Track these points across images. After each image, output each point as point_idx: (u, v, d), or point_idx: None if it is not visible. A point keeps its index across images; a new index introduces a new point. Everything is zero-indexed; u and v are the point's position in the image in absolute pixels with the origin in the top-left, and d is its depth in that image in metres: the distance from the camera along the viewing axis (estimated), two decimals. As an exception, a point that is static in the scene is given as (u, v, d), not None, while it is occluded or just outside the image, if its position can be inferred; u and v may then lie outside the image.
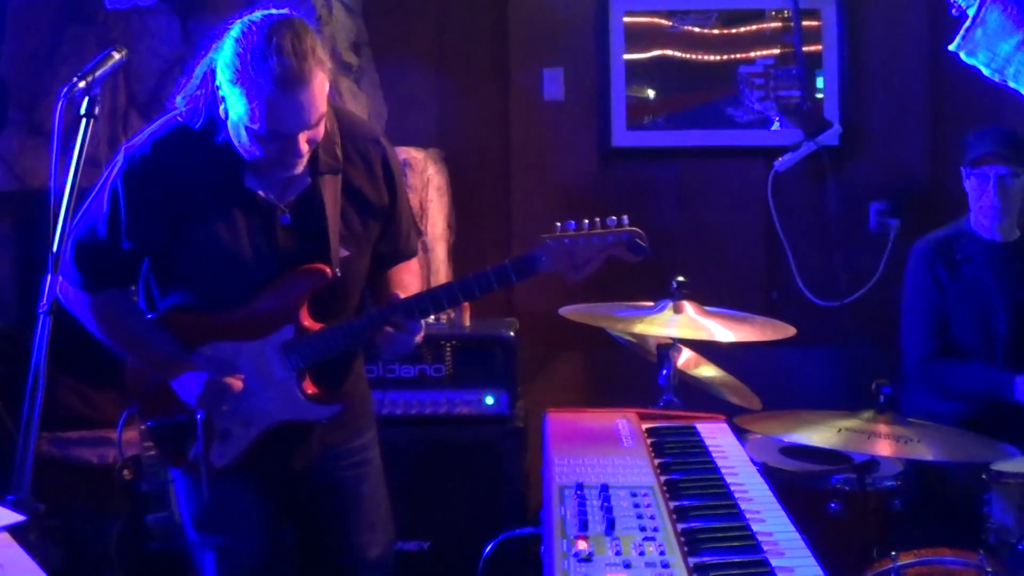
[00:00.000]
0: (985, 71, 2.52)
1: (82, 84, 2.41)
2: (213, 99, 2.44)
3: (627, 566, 1.92)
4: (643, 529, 2.08)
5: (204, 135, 2.49)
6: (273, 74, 2.30)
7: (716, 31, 4.65)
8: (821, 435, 2.92)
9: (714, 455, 2.59)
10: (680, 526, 2.11)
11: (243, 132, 2.40)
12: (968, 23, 2.54)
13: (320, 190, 2.56)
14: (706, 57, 4.65)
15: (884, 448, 2.86)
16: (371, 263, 2.73)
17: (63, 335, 2.39)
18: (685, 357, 3.61)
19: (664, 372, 3.24)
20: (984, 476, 3.11)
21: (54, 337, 2.31)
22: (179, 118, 2.53)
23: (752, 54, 4.64)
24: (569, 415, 2.90)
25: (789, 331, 3.31)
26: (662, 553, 1.97)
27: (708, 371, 3.67)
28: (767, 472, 2.56)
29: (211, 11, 4.33)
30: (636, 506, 2.20)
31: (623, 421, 2.84)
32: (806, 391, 4.50)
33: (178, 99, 2.54)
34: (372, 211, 2.67)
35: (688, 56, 4.66)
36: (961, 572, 2.84)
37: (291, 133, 2.37)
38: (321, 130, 2.46)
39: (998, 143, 3.68)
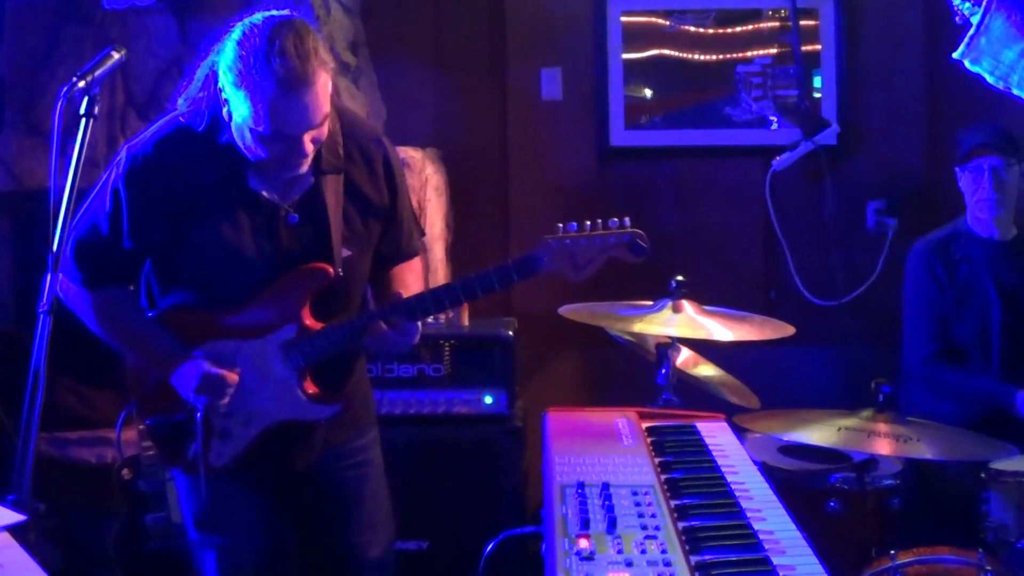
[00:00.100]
0: (989, 79, 2.52)
1: (82, 84, 2.41)
2: (216, 101, 2.44)
3: (629, 564, 1.92)
4: (644, 528, 2.08)
5: (207, 136, 2.49)
6: (276, 76, 2.30)
7: (714, 31, 4.66)
8: (820, 434, 2.92)
9: (714, 454, 2.59)
10: (681, 525, 2.11)
11: (247, 134, 2.40)
12: (972, 31, 2.54)
13: (323, 190, 2.56)
14: (704, 57, 4.66)
15: (883, 447, 2.87)
16: (373, 263, 2.73)
17: (61, 335, 2.38)
18: (684, 356, 3.62)
19: (663, 371, 3.24)
20: (983, 475, 3.12)
21: (52, 337, 2.31)
22: (181, 119, 2.53)
23: (750, 54, 4.65)
24: (569, 414, 2.90)
25: (788, 330, 3.31)
26: (664, 552, 1.97)
27: (707, 370, 3.67)
28: (766, 471, 2.57)
29: (209, 11, 4.33)
30: (637, 505, 2.20)
31: (623, 420, 2.84)
32: (804, 390, 4.50)
33: (180, 100, 2.54)
34: (374, 211, 2.67)
35: (686, 56, 4.66)
36: (960, 571, 2.84)
37: (296, 134, 2.37)
38: (325, 130, 2.46)
39: (989, 135, 3.69)
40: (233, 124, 2.43)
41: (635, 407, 2.96)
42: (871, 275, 4.59)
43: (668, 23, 4.66)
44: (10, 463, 2.30)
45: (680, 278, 3.28)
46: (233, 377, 2.55)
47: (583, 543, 2.00)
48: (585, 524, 2.08)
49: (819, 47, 4.63)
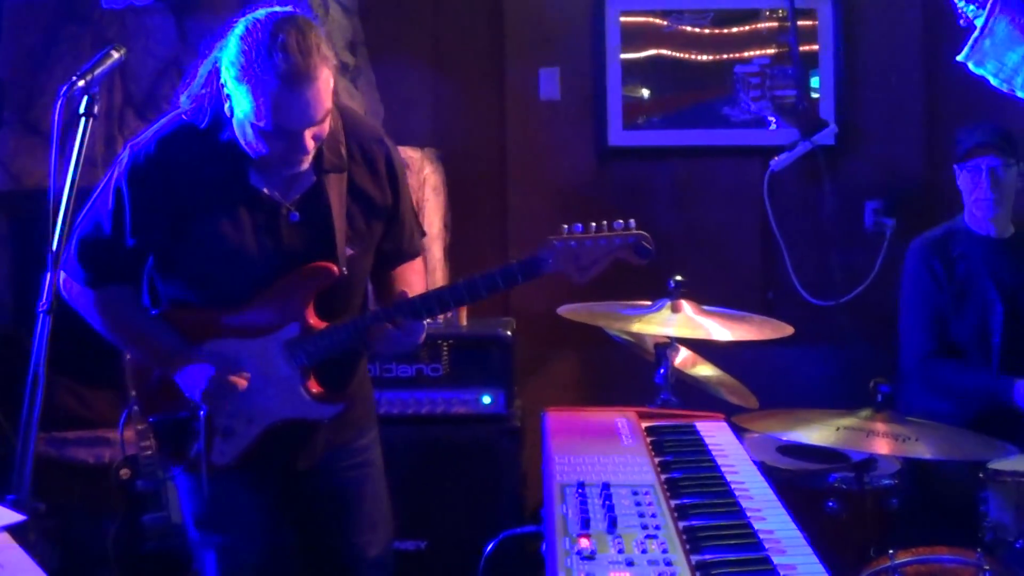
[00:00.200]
0: (993, 81, 2.53)
1: (81, 83, 2.41)
2: (218, 97, 2.44)
3: (630, 564, 1.92)
4: (645, 527, 2.08)
5: (209, 133, 2.49)
6: (278, 71, 2.30)
7: (712, 31, 4.66)
8: (819, 433, 2.92)
9: (714, 453, 2.59)
10: (682, 524, 2.11)
11: (249, 129, 2.40)
12: (976, 34, 2.55)
13: (325, 188, 2.56)
14: (702, 57, 4.66)
15: (882, 446, 2.87)
16: (375, 263, 2.73)
17: (59, 335, 2.38)
18: (682, 356, 3.61)
19: (661, 371, 3.24)
20: (981, 475, 3.12)
21: (51, 337, 2.31)
22: (184, 116, 2.54)
23: (748, 54, 4.65)
24: (568, 414, 2.90)
25: (787, 330, 3.31)
26: (664, 551, 1.97)
27: (705, 370, 3.67)
28: (765, 471, 2.57)
29: (207, 11, 4.33)
30: (637, 504, 2.20)
31: (622, 420, 2.84)
32: (802, 390, 4.50)
33: (182, 98, 2.54)
34: (376, 210, 2.66)
35: (684, 56, 4.66)
36: (958, 570, 2.85)
37: (297, 130, 2.37)
38: (327, 127, 2.46)
39: (988, 135, 3.69)
40: (235, 120, 2.43)
41: (634, 407, 2.96)
42: (869, 275, 4.59)
43: (666, 23, 4.66)
44: (9, 463, 2.30)
45: (679, 278, 3.28)
46: (242, 382, 2.54)
47: (584, 543, 2.00)
48: (586, 524, 2.08)
49: (817, 47, 4.63)
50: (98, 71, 2.46)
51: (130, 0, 4.32)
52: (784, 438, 3.29)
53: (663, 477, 2.39)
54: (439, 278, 4.49)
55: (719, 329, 3.22)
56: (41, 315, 2.33)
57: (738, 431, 2.85)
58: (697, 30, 4.66)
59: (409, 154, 4.42)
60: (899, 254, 4.04)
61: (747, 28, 4.65)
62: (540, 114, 4.72)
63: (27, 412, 2.28)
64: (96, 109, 2.42)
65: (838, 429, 2.93)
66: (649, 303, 3.35)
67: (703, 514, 2.18)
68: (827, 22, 4.61)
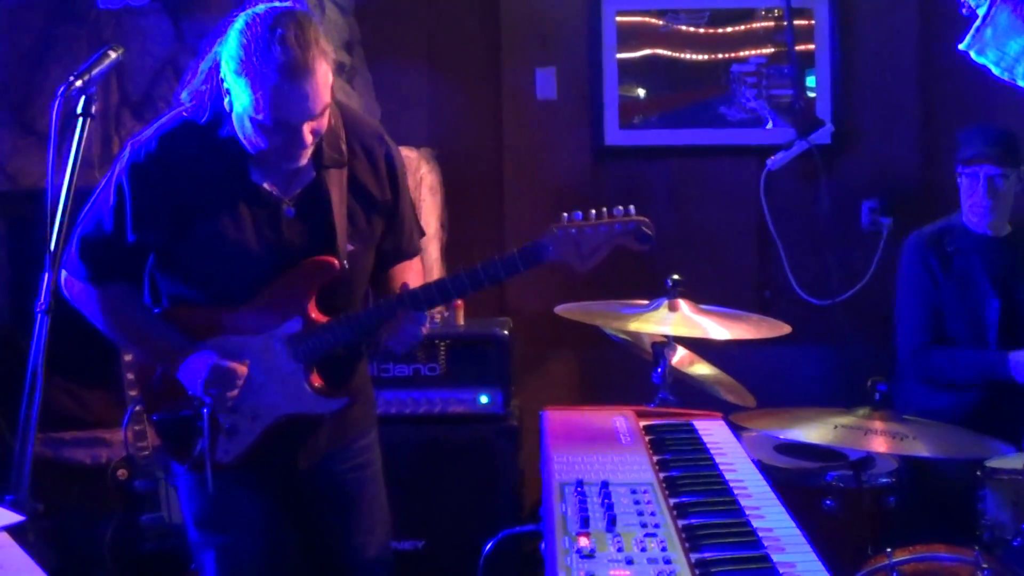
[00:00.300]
0: (995, 70, 2.53)
1: (79, 83, 2.41)
2: (218, 93, 2.45)
3: (629, 562, 1.92)
4: (644, 526, 2.08)
5: (209, 129, 2.50)
6: (278, 63, 2.31)
7: (708, 30, 4.66)
8: (817, 432, 2.92)
9: (712, 452, 2.60)
10: (681, 522, 2.11)
11: (248, 123, 2.41)
12: (978, 22, 2.54)
13: (325, 184, 2.57)
14: (698, 56, 4.66)
15: (880, 445, 2.87)
16: (375, 261, 2.73)
17: (55, 335, 2.38)
18: (679, 355, 3.62)
19: (659, 370, 3.25)
20: (979, 473, 3.13)
21: (47, 337, 2.31)
22: (184, 113, 2.54)
23: (744, 53, 4.65)
24: (566, 413, 2.90)
25: (784, 329, 3.32)
26: (664, 549, 1.97)
27: (702, 369, 3.67)
28: (762, 470, 2.57)
29: (203, 11, 4.33)
30: (636, 503, 2.20)
31: (621, 419, 2.84)
32: (799, 389, 4.50)
33: (183, 95, 2.54)
34: (376, 207, 2.67)
35: (680, 55, 4.66)
36: (956, 568, 2.84)
37: (296, 123, 2.38)
38: (325, 121, 2.46)
39: (990, 144, 3.69)
40: (234, 114, 2.44)
41: (632, 406, 2.96)
42: (865, 274, 4.59)
43: (662, 23, 4.66)
44: (8, 464, 2.30)
45: (676, 277, 3.28)
46: (243, 369, 2.55)
47: (583, 541, 2.00)
48: (585, 522, 2.08)
49: (813, 47, 4.63)
50: (95, 71, 2.47)
51: (126, 0, 4.32)
52: (782, 437, 3.29)
53: (662, 475, 2.39)
54: (436, 277, 4.48)
55: (716, 328, 3.23)
56: (39, 315, 2.33)
57: (736, 430, 2.85)
58: (693, 29, 4.66)
59: (405, 154, 4.40)
60: (895, 253, 4.04)
61: (743, 28, 4.66)
62: (536, 114, 4.72)
63: (25, 412, 2.28)
64: (94, 109, 2.43)
65: (835, 428, 2.94)
66: (646, 302, 3.36)
67: (702, 512, 2.18)
68: (823, 21, 4.61)
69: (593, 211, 2.53)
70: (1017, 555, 2.96)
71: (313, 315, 2.58)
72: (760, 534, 2.07)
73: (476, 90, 4.75)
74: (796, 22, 4.58)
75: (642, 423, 2.81)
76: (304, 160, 2.50)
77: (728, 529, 2.09)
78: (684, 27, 4.65)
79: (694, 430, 2.78)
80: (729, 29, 4.66)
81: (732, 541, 2.03)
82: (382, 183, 2.67)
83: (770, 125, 4.66)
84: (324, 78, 2.38)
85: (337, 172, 2.59)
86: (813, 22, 4.62)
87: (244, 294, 2.58)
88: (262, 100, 2.34)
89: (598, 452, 2.53)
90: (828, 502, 3.23)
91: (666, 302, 3.28)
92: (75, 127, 2.43)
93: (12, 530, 2.07)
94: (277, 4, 2.41)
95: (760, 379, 3.76)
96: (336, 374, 2.68)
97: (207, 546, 2.72)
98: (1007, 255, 3.77)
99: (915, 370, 3.80)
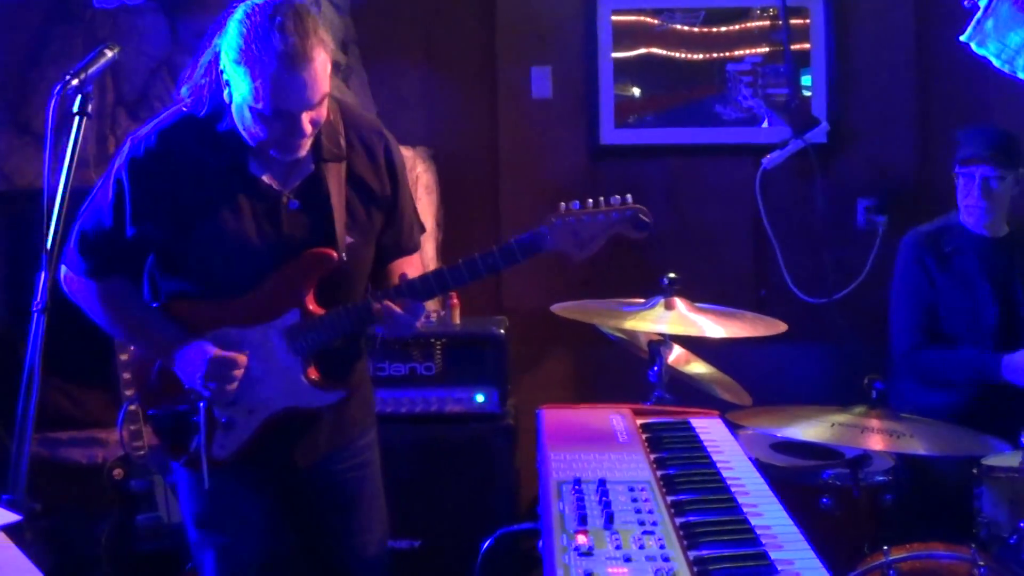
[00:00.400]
0: (996, 62, 2.53)
1: (75, 82, 2.41)
2: (218, 86, 2.45)
3: (627, 560, 1.93)
4: (642, 523, 2.08)
5: (208, 123, 2.50)
6: (276, 52, 2.32)
7: (704, 29, 4.66)
8: (814, 430, 2.93)
9: (709, 450, 2.60)
10: (678, 520, 2.12)
11: (247, 113, 2.41)
12: (979, 14, 2.55)
13: (324, 176, 2.57)
14: (694, 55, 4.67)
15: (876, 443, 2.88)
16: (374, 255, 2.73)
17: (52, 335, 2.38)
18: (676, 354, 3.62)
19: (655, 368, 3.25)
20: (975, 471, 3.12)
21: (44, 337, 2.31)
22: (184, 108, 2.54)
23: (740, 52, 4.65)
24: (563, 411, 2.90)
25: (780, 327, 3.32)
26: (662, 547, 1.97)
27: (699, 367, 3.68)
28: (759, 468, 2.57)
29: (199, 10, 4.32)
30: (634, 500, 2.20)
31: (617, 417, 2.84)
32: (795, 387, 4.51)
33: (183, 90, 2.54)
34: (376, 200, 2.67)
35: (676, 54, 4.67)
36: (953, 566, 2.85)
37: (295, 111, 2.38)
38: (323, 111, 2.47)
39: (986, 145, 3.69)
40: (234, 105, 2.44)
41: (628, 404, 2.96)
42: (861, 273, 4.60)
43: (658, 22, 4.66)
44: (4, 463, 2.30)
45: (672, 275, 3.28)
46: (242, 359, 2.54)
47: (581, 539, 2.00)
48: (583, 520, 2.09)
49: (809, 46, 4.64)
50: (92, 69, 2.47)
51: (122, 0, 4.31)
52: (778, 435, 3.29)
53: (659, 473, 2.39)
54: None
55: (712, 326, 3.23)
56: (36, 315, 2.33)
57: (732, 428, 2.85)
58: (688, 29, 4.66)
59: (402, 153, 4.42)
60: (891, 251, 4.05)
61: (738, 27, 4.66)
62: (532, 113, 4.72)
63: (22, 412, 2.28)
64: (90, 108, 2.42)
65: (832, 426, 2.94)
66: (642, 300, 3.36)
67: (700, 510, 2.18)
68: (819, 20, 4.62)
69: (590, 200, 2.54)
70: (1013, 552, 2.96)
71: (311, 307, 2.58)
72: (758, 531, 2.08)
73: (472, 89, 4.75)
74: (792, 21, 4.58)
75: (639, 421, 2.82)
76: (303, 151, 2.50)
77: (726, 527, 2.09)
78: (679, 26, 4.66)
79: (691, 428, 2.78)
80: (724, 28, 4.66)
81: (730, 539, 2.03)
82: (381, 177, 2.68)
83: (766, 124, 4.66)
84: (323, 67, 2.39)
85: (336, 165, 2.59)
86: (808, 21, 4.63)
87: (243, 286, 2.58)
88: (261, 88, 2.35)
89: (595, 450, 2.53)
90: (825, 500, 3.23)
91: (662, 300, 3.28)
92: (71, 126, 2.43)
93: (9, 530, 2.07)
94: None
95: (756, 377, 3.76)
96: (334, 368, 2.67)
97: (206, 546, 2.71)
98: (1005, 256, 3.78)
99: (909, 369, 3.80)
